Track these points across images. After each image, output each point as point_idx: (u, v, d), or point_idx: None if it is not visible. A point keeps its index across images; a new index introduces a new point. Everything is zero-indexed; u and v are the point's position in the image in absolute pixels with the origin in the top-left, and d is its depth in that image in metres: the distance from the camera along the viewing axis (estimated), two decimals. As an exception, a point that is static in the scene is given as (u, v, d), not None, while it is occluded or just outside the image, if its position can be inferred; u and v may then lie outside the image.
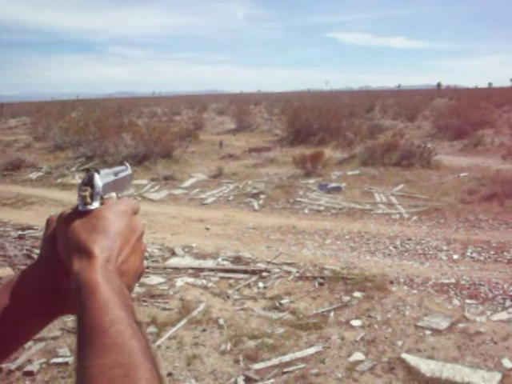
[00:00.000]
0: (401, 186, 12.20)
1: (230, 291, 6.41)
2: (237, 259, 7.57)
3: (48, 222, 0.79)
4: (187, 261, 7.60)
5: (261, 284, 6.61)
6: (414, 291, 6.28)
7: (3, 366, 4.53)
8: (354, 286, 6.41)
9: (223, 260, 7.56)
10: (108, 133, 18.74)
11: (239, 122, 27.81)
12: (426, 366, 4.53)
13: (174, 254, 7.89)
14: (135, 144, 16.88)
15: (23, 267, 0.86)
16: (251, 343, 5.08)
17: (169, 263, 7.50)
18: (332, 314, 5.71)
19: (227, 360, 4.80)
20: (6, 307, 0.74)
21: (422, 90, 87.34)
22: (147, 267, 6.85)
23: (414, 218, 9.69)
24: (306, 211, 10.49)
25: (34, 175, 16.08)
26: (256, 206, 11.03)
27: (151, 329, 5.29)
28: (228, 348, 5.00)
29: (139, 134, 17.70)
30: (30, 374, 4.55)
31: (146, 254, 7.05)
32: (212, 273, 7.05)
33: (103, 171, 0.80)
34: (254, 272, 7.01)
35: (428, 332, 5.22)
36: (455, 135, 20.30)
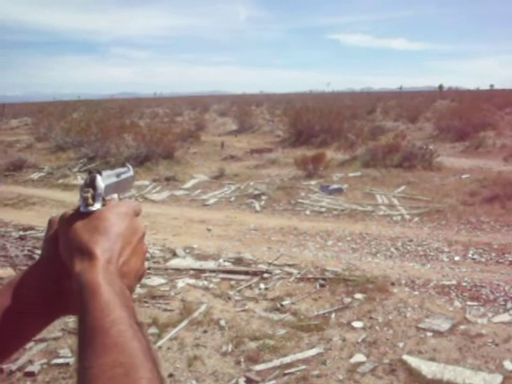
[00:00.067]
0: (402, 187, 12.19)
1: (231, 292, 6.41)
2: (238, 260, 7.57)
3: (50, 222, 0.80)
4: (188, 262, 7.60)
5: (262, 285, 6.61)
6: (416, 293, 6.28)
7: (4, 366, 4.54)
8: (355, 287, 6.40)
9: (224, 261, 7.56)
10: (110, 133, 18.74)
11: (241, 123, 27.82)
12: (428, 368, 4.53)
13: (175, 254, 7.89)
14: (137, 145, 16.88)
15: (24, 268, 0.86)
16: (252, 344, 5.07)
17: (170, 264, 7.50)
18: (333, 315, 5.71)
19: (228, 361, 4.80)
20: (8, 307, 0.74)
21: (423, 92, 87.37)
22: (148, 268, 6.86)
23: (416, 219, 9.68)
24: (308, 212, 10.49)
25: (35, 176, 16.09)
26: (257, 208, 11.03)
27: (152, 330, 5.30)
28: (229, 349, 4.99)
29: (141, 135, 17.70)
30: (30, 374, 4.56)
31: (148, 255, 7.05)
32: (213, 274, 7.04)
33: (105, 173, 0.80)
34: (255, 273, 7.01)
35: (429, 334, 5.22)
36: (457, 137, 20.30)
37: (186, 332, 5.35)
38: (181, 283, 6.72)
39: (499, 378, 4.38)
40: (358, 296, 6.16)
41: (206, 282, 6.75)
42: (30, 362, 4.77)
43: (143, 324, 0.65)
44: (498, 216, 9.45)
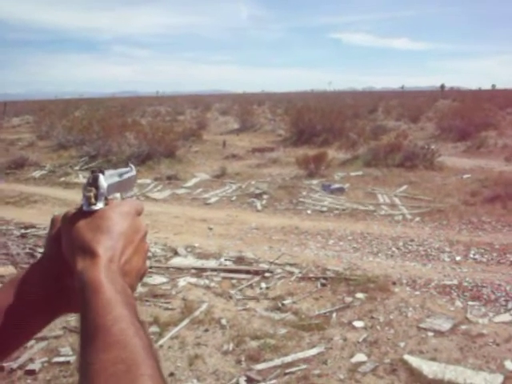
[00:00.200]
0: (404, 187, 12.18)
1: (232, 291, 6.41)
2: (239, 259, 7.57)
3: (53, 221, 0.80)
4: (190, 261, 7.61)
5: (263, 284, 6.61)
6: (417, 292, 6.28)
7: (5, 364, 4.54)
8: (356, 286, 6.40)
9: (226, 260, 7.56)
10: (111, 132, 18.76)
11: (242, 122, 27.83)
12: (429, 368, 4.53)
13: (176, 253, 7.90)
14: (138, 143, 16.89)
15: (26, 266, 0.86)
16: (253, 344, 5.08)
17: (171, 263, 7.50)
18: (334, 314, 5.71)
19: (229, 360, 4.80)
20: (10, 305, 0.74)
21: (425, 92, 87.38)
22: (150, 267, 6.85)
23: (417, 219, 9.68)
24: (309, 212, 10.49)
25: (37, 174, 16.10)
26: (259, 207, 11.03)
27: (153, 328, 5.30)
28: (230, 348, 5.00)
29: (143, 134, 17.71)
30: (31, 372, 4.56)
31: (149, 254, 7.04)
32: (214, 273, 7.05)
33: (108, 172, 0.80)
34: (256, 272, 7.01)
35: (430, 333, 5.21)
36: (458, 137, 20.29)
37: (187, 331, 5.35)
38: (182, 282, 6.72)
39: (500, 377, 4.38)
40: (359, 295, 6.16)
41: (207, 281, 6.75)
42: (31, 360, 4.78)
43: (144, 323, 0.66)
44: (499, 216, 9.45)
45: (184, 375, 4.55)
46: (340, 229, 9.13)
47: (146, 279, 6.58)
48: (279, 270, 7.07)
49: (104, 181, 0.76)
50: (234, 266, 7.29)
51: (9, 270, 6.86)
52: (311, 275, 6.88)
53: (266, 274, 6.92)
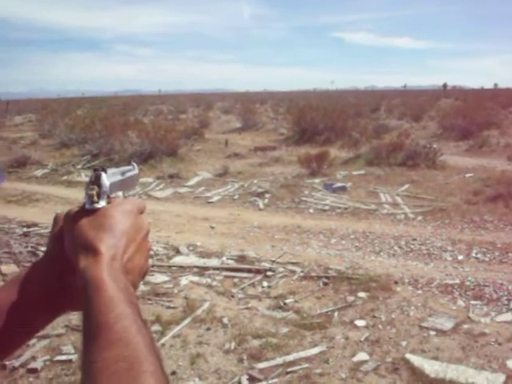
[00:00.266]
0: (406, 186, 12.18)
1: (234, 290, 6.41)
2: (241, 258, 7.57)
3: (55, 219, 0.80)
4: (192, 259, 7.61)
5: (265, 283, 6.61)
6: (419, 291, 6.28)
7: (7, 363, 4.55)
8: (358, 286, 6.40)
9: (228, 259, 7.57)
10: (114, 130, 18.77)
11: (245, 120, 27.84)
12: (430, 367, 4.52)
13: (178, 252, 7.90)
14: (141, 142, 16.91)
15: (28, 264, 0.86)
16: (255, 342, 5.08)
17: (173, 262, 7.50)
18: (336, 313, 5.71)
19: (231, 359, 4.80)
20: (12, 303, 0.75)
21: (427, 91, 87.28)
22: (152, 265, 6.86)
23: (419, 218, 9.67)
24: (311, 211, 10.49)
25: (39, 172, 16.12)
26: (261, 205, 11.03)
27: (155, 327, 5.30)
28: (232, 347, 5.00)
29: (145, 132, 17.73)
30: (33, 371, 4.57)
31: (151, 253, 7.06)
32: (216, 271, 7.05)
33: (110, 170, 0.80)
34: (258, 271, 7.01)
35: (432, 333, 5.21)
36: (461, 136, 20.27)
37: (189, 329, 5.35)
38: (184, 281, 6.72)
39: (502, 377, 4.38)
40: (361, 294, 6.16)
41: (209, 280, 6.76)
42: (33, 358, 4.78)
43: (146, 321, 0.66)
44: (501, 215, 9.44)
45: (186, 374, 4.56)
46: (342, 228, 9.13)
47: (148, 278, 6.58)
48: (281, 269, 7.07)
49: (106, 179, 0.76)
50: (235, 265, 7.29)
51: (11, 269, 6.87)
52: (313, 274, 6.88)
53: (268, 273, 6.92)
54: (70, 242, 0.74)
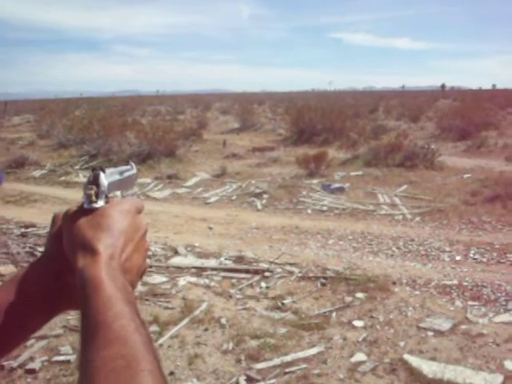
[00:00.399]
0: (404, 186, 12.19)
1: (232, 291, 6.41)
2: (239, 259, 7.57)
3: (54, 219, 0.81)
4: (190, 260, 7.61)
5: (263, 284, 6.61)
6: (417, 292, 6.28)
7: (5, 363, 4.55)
8: (356, 286, 6.40)
9: (226, 259, 7.57)
10: (112, 131, 18.76)
11: (243, 121, 27.84)
12: (428, 368, 4.53)
13: (176, 253, 7.90)
14: (139, 142, 16.90)
15: (26, 265, 0.87)
16: (253, 343, 5.08)
17: (171, 262, 7.50)
18: (334, 314, 5.71)
19: (229, 359, 4.80)
20: (10, 302, 0.75)
21: (426, 91, 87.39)
22: (150, 266, 6.86)
23: (417, 218, 9.68)
24: (309, 211, 10.49)
25: (37, 173, 16.11)
26: (259, 206, 11.03)
27: (153, 328, 5.30)
28: (230, 347, 5.00)
29: (143, 133, 17.72)
30: (31, 371, 4.56)
31: (149, 253, 7.06)
32: (214, 272, 7.05)
33: (108, 170, 0.81)
34: (256, 272, 7.01)
35: (430, 333, 5.22)
36: (459, 136, 20.28)
37: (186, 330, 5.35)
38: (182, 281, 6.72)
39: (500, 377, 4.39)
40: (359, 295, 6.16)
41: (207, 281, 6.76)
42: (31, 359, 4.78)
43: (144, 322, 0.66)
44: (499, 216, 9.45)
45: (184, 374, 4.56)
46: (340, 228, 9.13)
47: (146, 278, 6.59)
48: (279, 270, 7.07)
49: (105, 179, 0.76)
50: (233, 266, 7.29)
51: (9, 269, 6.87)
52: (311, 275, 6.89)
53: (266, 274, 6.92)
54: (68, 241, 0.74)
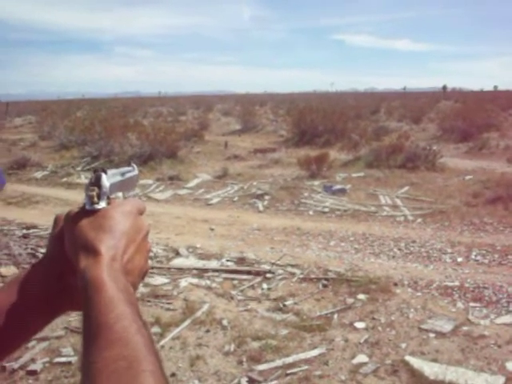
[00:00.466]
0: (406, 188, 12.18)
1: (233, 292, 6.41)
2: (241, 260, 7.57)
3: (56, 220, 0.81)
4: (191, 261, 7.61)
5: (265, 285, 6.61)
6: (418, 294, 6.28)
7: (7, 365, 4.55)
8: (358, 288, 6.40)
9: (227, 261, 7.56)
10: (113, 132, 18.77)
11: (245, 122, 27.84)
12: (430, 369, 4.52)
13: (178, 254, 7.90)
14: (141, 144, 16.91)
15: (27, 266, 0.87)
16: (255, 344, 5.08)
17: (173, 263, 7.50)
18: (336, 315, 5.71)
19: (231, 361, 4.80)
20: (11, 304, 0.75)
21: (427, 93, 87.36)
22: (152, 267, 6.85)
23: (419, 220, 9.68)
24: (311, 213, 10.49)
25: (39, 174, 16.12)
26: (260, 207, 11.03)
27: (155, 329, 5.30)
28: (231, 349, 5.00)
29: (145, 134, 17.72)
30: (33, 373, 4.56)
31: (151, 254, 7.03)
32: (216, 273, 7.05)
33: (110, 172, 0.81)
34: (258, 273, 7.01)
35: (432, 335, 5.21)
36: (460, 138, 20.28)
37: (188, 331, 5.35)
38: (183, 282, 6.72)
39: (501, 379, 4.38)
40: (361, 297, 6.16)
41: (208, 282, 6.75)
42: (33, 360, 4.78)
43: (146, 323, 0.66)
44: (501, 217, 9.44)
45: (185, 376, 4.55)
46: (342, 230, 9.13)
47: (148, 280, 6.59)
48: (281, 271, 7.07)
49: (106, 180, 0.76)
50: (235, 267, 7.29)
51: (11, 271, 6.87)
52: (313, 276, 6.88)
53: (268, 275, 6.92)
54: (70, 242, 0.74)
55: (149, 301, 6.06)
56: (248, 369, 4.65)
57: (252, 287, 6.58)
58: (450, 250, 7.90)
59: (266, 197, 11.74)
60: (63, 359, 4.79)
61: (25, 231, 9.00)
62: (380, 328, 5.39)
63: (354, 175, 13.81)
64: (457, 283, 6.56)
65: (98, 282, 0.66)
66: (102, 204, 0.75)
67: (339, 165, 15.34)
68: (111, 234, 0.72)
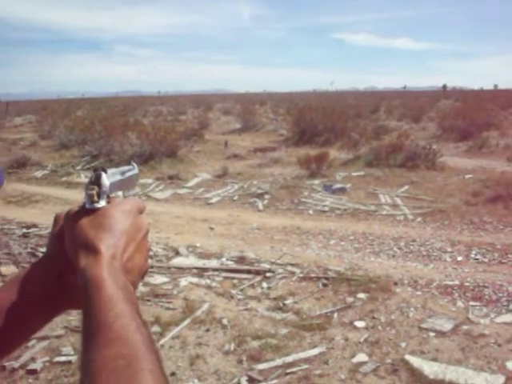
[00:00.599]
0: (405, 187, 12.18)
1: (233, 291, 6.41)
2: (241, 259, 7.57)
3: (56, 219, 0.81)
4: (191, 260, 7.61)
5: (265, 284, 6.61)
6: (418, 293, 6.28)
7: (7, 364, 4.55)
8: (357, 287, 6.40)
9: (227, 260, 7.57)
10: (114, 131, 18.77)
11: (244, 121, 27.83)
12: (430, 368, 4.52)
13: (178, 253, 7.90)
14: (140, 143, 16.91)
15: (27, 265, 0.87)
16: (255, 343, 5.08)
17: (173, 263, 7.50)
18: (336, 314, 5.71)
19: (230, 360, 4.80)
20: (12, 303, 0.75)
21: (427, 92, 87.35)
22: (151, 266, 6.86)
23: (419, 219, 9.68)
24: (311, 212, 10.49)
25: (39, 173, 16.12)
26: (260, 207, 11.03)
27: (155, 328, 5.30)
28: (231, 348, 5.00)
29: (145, 133, 17.72)
30: (33, 372, 4.56)
31: (151, 253, 7.04)
32: (216, 273, 7.05)
33: (110, 170, 0.81)
34: (257, 272, 7.01)
35: (432, 334, 5.21)
36: (460, 137, 20.27)
37: (188, 331, 5.35)
38: (183, 282, 6.72)
39: (501, 378, 4.38)
40: (361, 296, 6.16)
41: (208, 281, 6.75)
42: (33, 359, 4.78)
43: (146, 322, 0.66)
44: (500, 216, 9.44)
45: (185, 375, 4.56)
46: (342, 229, 9.13)
47: (148, 279, 6.59)
48: (281, 270, 7.07)
49: (106, 179, 0.76)
50: (235, 266, 7.29)
51: (11, 270, 6.87)
52: (313, 275, 6.88)
53: (268, 274, 6.92)
54: (70, 241, 0.74)
55: (149, 300, 6.06)
56: (248, 368, 4.65)
57: (252, 286, 6.59)
58: (449, 249, 7.90)
59: (266, 196, 11.74)
60: (63, 358, 4.79)
61: (25, 230, 9.00)
62: (380, 327, 5.39)
63: (354, 174, 13.81)
64: (457, 282, 6.56)
65: (97, 280, 0.66)
66: (102, 203, 0.75)
67: (339, 164, 15.34)
68: (111, 233, 0.72)
